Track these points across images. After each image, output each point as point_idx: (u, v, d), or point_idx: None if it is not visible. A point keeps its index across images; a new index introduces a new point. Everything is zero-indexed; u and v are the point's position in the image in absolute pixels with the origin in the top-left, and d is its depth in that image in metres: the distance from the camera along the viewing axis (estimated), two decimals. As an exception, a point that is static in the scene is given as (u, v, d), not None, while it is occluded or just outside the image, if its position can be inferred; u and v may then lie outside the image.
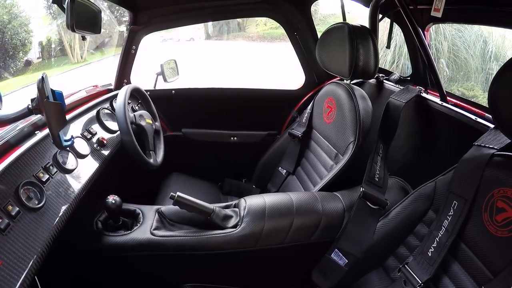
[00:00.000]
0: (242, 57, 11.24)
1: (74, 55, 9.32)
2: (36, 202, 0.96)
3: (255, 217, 1.21)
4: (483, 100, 5.04)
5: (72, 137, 1.13)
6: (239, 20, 14.07)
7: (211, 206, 1.22)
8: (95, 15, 1.52)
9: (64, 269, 1.25)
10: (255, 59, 10.86)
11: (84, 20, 1.41)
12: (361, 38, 1.46)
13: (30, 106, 1.02)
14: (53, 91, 1.02)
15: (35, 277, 0.90)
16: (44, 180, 1.03)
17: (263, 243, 1.21)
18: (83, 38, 1.54)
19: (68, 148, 1.23)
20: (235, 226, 1.21)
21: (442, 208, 1.05)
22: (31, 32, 8.33)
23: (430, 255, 1.03)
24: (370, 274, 1.23)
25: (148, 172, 1.65)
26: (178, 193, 1.18)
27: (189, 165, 2.12)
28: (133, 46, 1.99)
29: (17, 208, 0.88)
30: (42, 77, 0.97)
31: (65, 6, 1.31)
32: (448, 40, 5.28)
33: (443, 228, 1.02)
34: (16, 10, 8.01)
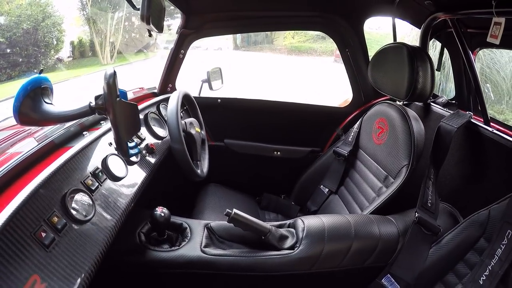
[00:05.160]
0: (269, 69, 11.36)
1: (104, 57, 9.51)
2: (84, 214, 0.86)
3: (315, 240, 1.17)
4: (513, 124, 4.92)
5: (136, 144, 1.03)
6: (268, 32, 14.23)
7: (267, 225, 1.19)
8: (161, 11, 1.41)
9: (106, 283, 1.12)
10: (282, 71, 10.96)
11: (153, 15, 1.29)
12: (421, 60, 1.44)
13: (92, 104, 0.91)
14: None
15: None
16: (93, 188, 0.94)
17: (319, 266, 1.18)
18: (150, 35, 1.43)
19: (117, 153, 1.13)
20: (291, 248, 1.18)
21: (495, 236, 1.04)
22: (64, 31, 8.54)
23: (481, 283, 1.02)
24: None
25: (187, 182, 1.61)
26: (235, 210, 1.14)
27: (228, 176, 2.10)
28: (182, 51, 1.99)
29: (64, 220, 0.79)
30: (114, 71, 0.85)
31: None
32: (482, 61, 5.18)
33: (496, 256, 1.02)
34: (51, 10, 8.21)
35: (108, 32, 9.32)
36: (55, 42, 8.37)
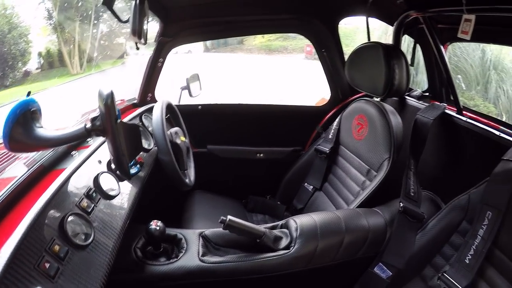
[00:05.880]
0: (241, 69, 11.36)
1: (74, 67, 9.26)
2: (83, 237, 0.83)
3: (309, 237, 1.19)
4: (484, 109, 5.13)
5: (134, 161, 0.99)
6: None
7: (262, 228, 1.19)
8: (144, 22, 1.34)
9: None
10: (254, 70, 10.98)
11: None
12: (396, 58, 1.51)
13: (88, 126, 0.86)
14: None
15: None
16: (89, 210, 0.90)
17: (315, 262, 1.21)
18: (137, 48, 1.38)
19: (109, 171, 1.11)
20: (287, 247, 1.19)
21: (476, 218, 1.10)
22: (31, 42, 8.28)
23: (467, 262, 1.09)
24: (408, 284, 1.27)
25: (172, 192, 1.61)
26: (229, 217, 1.13)
27: (212, 182, 2.09)
28: (160, 59, 1.95)
29: (65, 248, 0.75)
30: (112, 92, 0.80)
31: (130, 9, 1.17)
32: (449, 50, 5.34)
33: (478, 236, 1.08)
34: (16, 20, 7.95)
35: (76, 40, 9.09)
36: (22, 54, 8.11)
